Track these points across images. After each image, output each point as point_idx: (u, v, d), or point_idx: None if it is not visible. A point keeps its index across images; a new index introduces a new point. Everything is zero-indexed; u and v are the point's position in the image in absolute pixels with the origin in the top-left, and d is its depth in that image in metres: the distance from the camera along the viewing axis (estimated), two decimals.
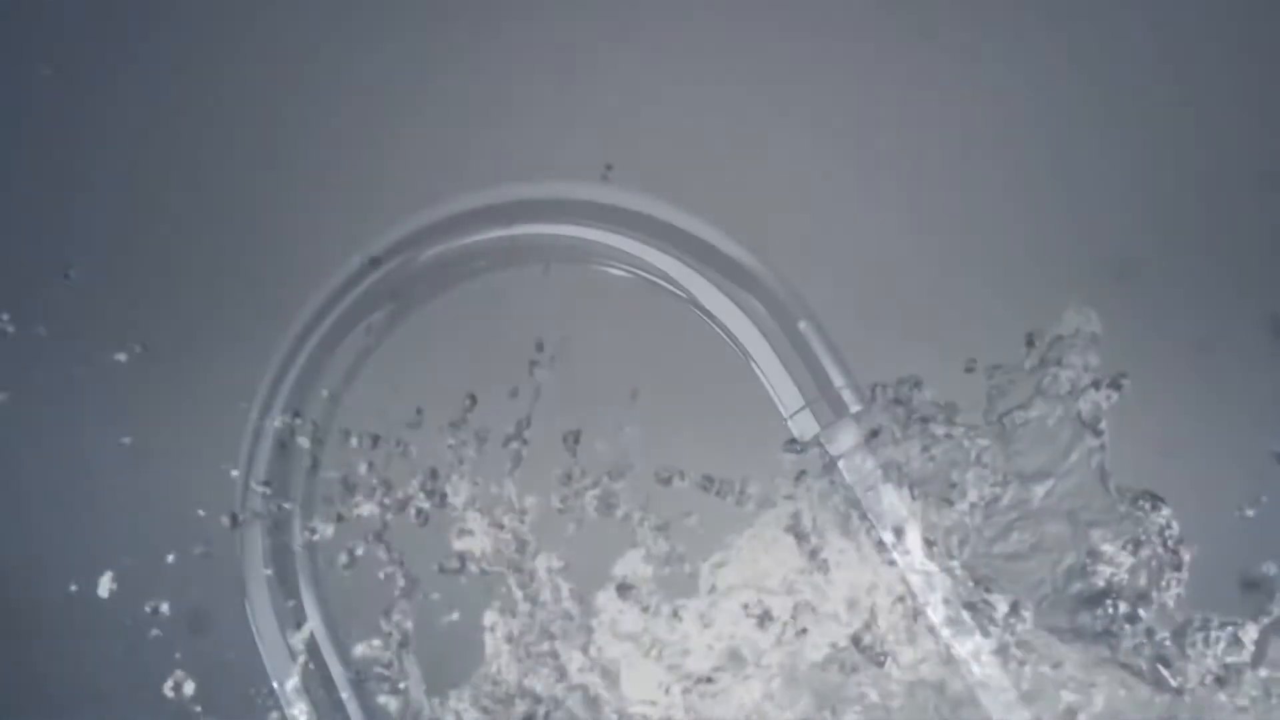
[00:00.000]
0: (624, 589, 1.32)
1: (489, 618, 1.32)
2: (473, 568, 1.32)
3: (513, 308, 1.32)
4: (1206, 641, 1.33)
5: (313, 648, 1.30)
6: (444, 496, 1.31)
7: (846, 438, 1.29)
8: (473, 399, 1.30)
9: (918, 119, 1.33)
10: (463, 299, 1.32)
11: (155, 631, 1.32)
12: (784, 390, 1.29)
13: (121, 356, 1.32)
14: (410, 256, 1.30)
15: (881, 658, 1.32)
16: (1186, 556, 1.33)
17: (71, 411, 1.32)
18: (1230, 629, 1.34)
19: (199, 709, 1.33)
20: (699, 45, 1.33)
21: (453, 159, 1.33)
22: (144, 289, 1.33)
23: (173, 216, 1.34)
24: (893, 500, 1.29)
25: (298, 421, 1.29)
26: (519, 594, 1.33)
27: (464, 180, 1.30)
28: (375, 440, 1.31)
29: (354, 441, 1.30)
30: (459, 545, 1.32)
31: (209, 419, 1.30)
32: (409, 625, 1.32)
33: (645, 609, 1.32)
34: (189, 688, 1.32)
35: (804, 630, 1.32)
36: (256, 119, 1.32)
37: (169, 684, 1.32)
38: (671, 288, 1.28)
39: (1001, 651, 1.30)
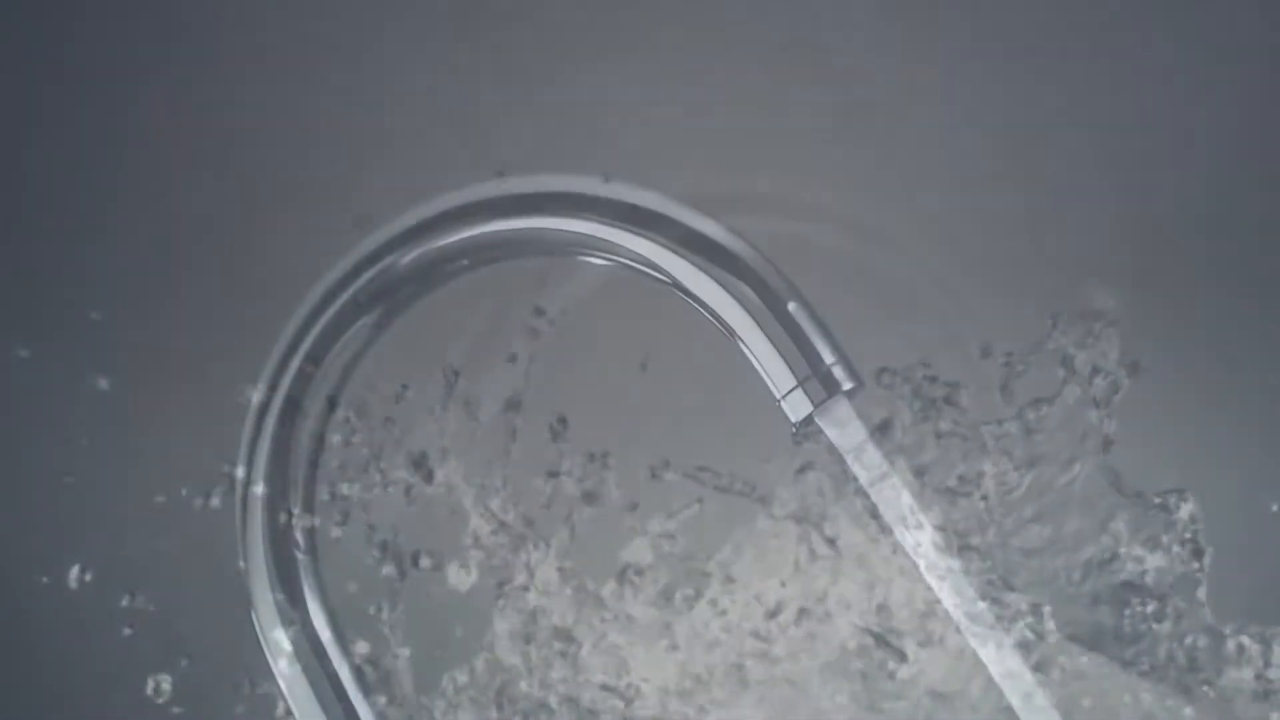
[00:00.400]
0: (626, 576, 1.30)
1: (490, 609, 1.30)
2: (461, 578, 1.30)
3: (498, 303, 1.31)
4: (1240, 651, 1.28)
5: (315, 643, 1.29)
6: (430, 473, 1.30)
7: (843, 418, 1.26)
8: (455, 373, 1.29)
9: (923, 108, 1.32)
10: (448, 297, 1.31)
11: (135, 629, 1.32)
12: (776, 372, 1.27)
13: (104, 383, 1.33)
14: (395, 259, 1.30)
15: (901, 657, 1.28)
16: (1209, 552, 1.29)
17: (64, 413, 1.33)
18: (1264, 637, 1.29)
19: (185, 704, 1.31)
20: (681, 29, 1.33)
21: (426, 160, 1.34)
22: (135, 295, 1.35)
23: (160, 227, 1.36)
24: (903, 493, 1.25)
25: (297, 415, 1.30)
26: (518, 585, 1.31)
27: (440, 180, 1.31)
28: (362, 414, 1.30)
29: (347, 418, 1.30)
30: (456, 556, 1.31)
31: (204, 416, 1.31)
32: (402, 619, 1.30)
33: (653, 602, 1.30)
34: (173, 684, 1.31)
35: (813, 631, 1.29)
36: (246, 123, 1.34)
37: (151, 684, 1.31)
38: (661, 276, 1.28)
39: (1025, 651, 1.26)
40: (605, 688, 1.28)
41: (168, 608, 1.30)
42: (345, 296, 1.31)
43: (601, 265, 1.29)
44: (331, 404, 1.30)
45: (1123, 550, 1.29)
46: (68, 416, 1.32)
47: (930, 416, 1.29)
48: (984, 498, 1.28)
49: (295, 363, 1.30)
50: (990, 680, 1.24)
